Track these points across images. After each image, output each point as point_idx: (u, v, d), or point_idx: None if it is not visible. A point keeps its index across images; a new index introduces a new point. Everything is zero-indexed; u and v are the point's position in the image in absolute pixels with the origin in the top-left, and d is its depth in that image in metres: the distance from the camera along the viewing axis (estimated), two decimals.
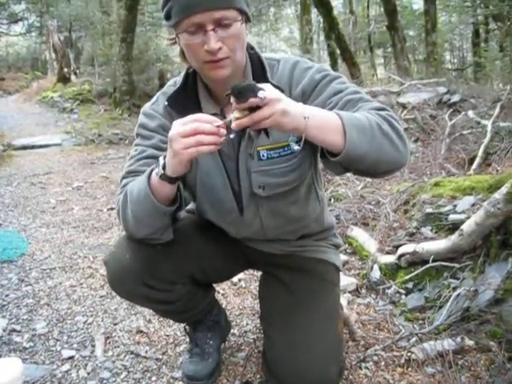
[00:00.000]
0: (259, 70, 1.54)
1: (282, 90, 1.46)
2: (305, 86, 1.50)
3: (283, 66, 1.55)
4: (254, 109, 1.17)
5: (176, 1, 1.36)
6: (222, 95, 1.46)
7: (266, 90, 1.16)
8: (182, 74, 1.61)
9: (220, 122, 1.24)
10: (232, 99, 1.17)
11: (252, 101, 1.15)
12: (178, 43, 1.47)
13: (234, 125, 1.19)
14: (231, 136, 1.28)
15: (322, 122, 1.27)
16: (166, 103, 1.56)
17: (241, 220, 1.66)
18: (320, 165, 1.72)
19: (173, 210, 1.47)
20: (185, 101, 1.54)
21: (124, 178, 1.57)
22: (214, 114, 1.35)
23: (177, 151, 1.26)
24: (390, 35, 13.22)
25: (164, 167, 1.36)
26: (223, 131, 1.23)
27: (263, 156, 1.54)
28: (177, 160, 1.30)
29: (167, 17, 1.42)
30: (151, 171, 1.42)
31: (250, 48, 1.55)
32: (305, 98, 1.48)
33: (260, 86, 1.17)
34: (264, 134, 1.32)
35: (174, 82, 1.66)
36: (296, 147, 1.30)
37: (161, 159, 1.38)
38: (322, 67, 1.55)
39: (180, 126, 1.26)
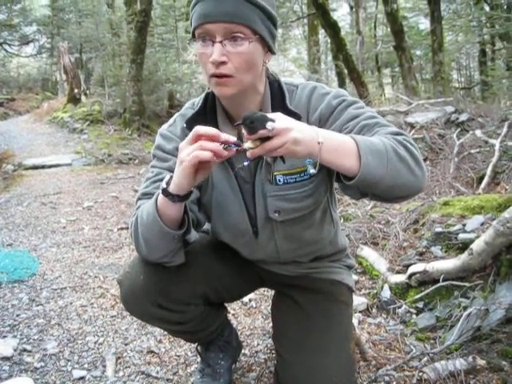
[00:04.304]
0: (278, 95, 1.56)
1: (300, 116, 1.48)
2: (322, 112, 1.51)
3: (301, 92, 1.57)
4: (265, 139, 1.19)
5: (196, 10, 1.40)
6: (239, 119, 1.48)
7: (276, 121, 1.18)
8: (202, 95, 1.63)
9: (226, 136, 1.26)
10: (243, 130, 1.21)
11: (261, 132, 1.17)
12: None
13: (248, 154, 1.21)
14: (245, 163, 1.29)
15: (337, 146, 1.27)
16: (185, 125, 1.58)
17: (255, 242, 1.67)
18: (335, 187, 1.72)
19: (180, 233, 1.46)
20: (203, 123, 1.56)
21: (139, 199, 1.58)
22: None
23: (181, 159, 1.28)
24: (397, 55, 13.33)
25: (168, 182, 1.37)
26: (225, 138, 1.25)
27: (279, 181, 1.55)
28: (180, 169, 1.29)
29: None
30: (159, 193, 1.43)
31: (271, 75, 1.57)
32: (322, 123, 1.49)
33: (270, 116, 1.19)
34: (280, 159, 1.34)
35: (192, 104, 1.68)
36: (312, 170, 1.31)
37: (168, 175, 1.39)
38: (339, 93, 1.55)
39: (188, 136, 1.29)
